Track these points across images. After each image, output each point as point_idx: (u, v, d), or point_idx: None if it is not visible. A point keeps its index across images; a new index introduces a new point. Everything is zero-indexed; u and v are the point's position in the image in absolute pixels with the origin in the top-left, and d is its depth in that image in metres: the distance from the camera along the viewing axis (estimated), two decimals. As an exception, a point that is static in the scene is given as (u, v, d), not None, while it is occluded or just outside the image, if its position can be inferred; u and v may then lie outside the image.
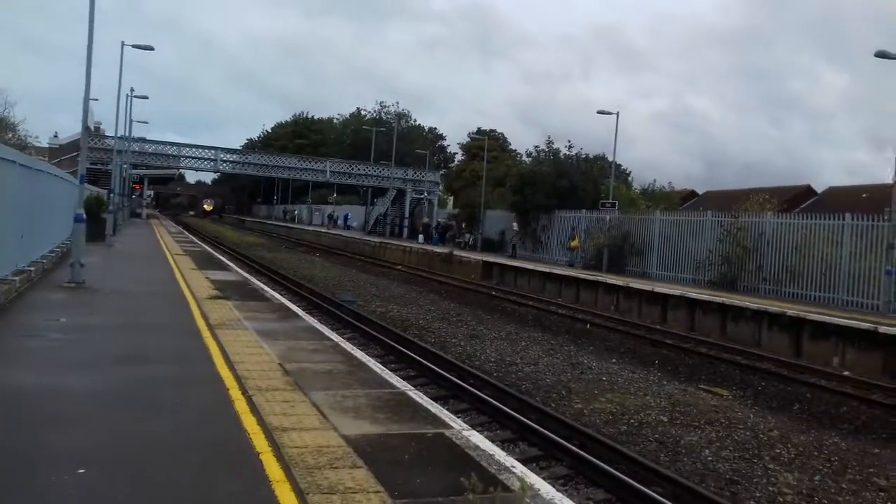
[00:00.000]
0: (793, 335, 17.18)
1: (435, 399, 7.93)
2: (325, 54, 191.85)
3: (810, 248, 20.93)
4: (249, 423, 5.68)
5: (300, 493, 4.26)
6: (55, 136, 66.23)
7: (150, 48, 28.71)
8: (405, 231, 55.15)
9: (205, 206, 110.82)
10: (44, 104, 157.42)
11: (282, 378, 7.32)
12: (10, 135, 42.66)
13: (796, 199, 44.29)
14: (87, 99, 15.57)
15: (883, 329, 15.00)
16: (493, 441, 6.03)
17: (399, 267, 36.35)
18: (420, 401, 6.74)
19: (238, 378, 7.18)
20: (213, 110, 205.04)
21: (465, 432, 5.75)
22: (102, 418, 5.79)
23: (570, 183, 34.50)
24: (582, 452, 8.36)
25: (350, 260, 40.30)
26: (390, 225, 58.07)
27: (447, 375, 11.93)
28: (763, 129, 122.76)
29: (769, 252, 22.36)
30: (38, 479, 4.36)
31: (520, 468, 4.98)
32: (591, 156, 39.07)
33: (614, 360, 15.18)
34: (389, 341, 14.66)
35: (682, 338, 18.48)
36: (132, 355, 8.22)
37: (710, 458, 9.13)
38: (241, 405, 6.21)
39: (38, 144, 53.37)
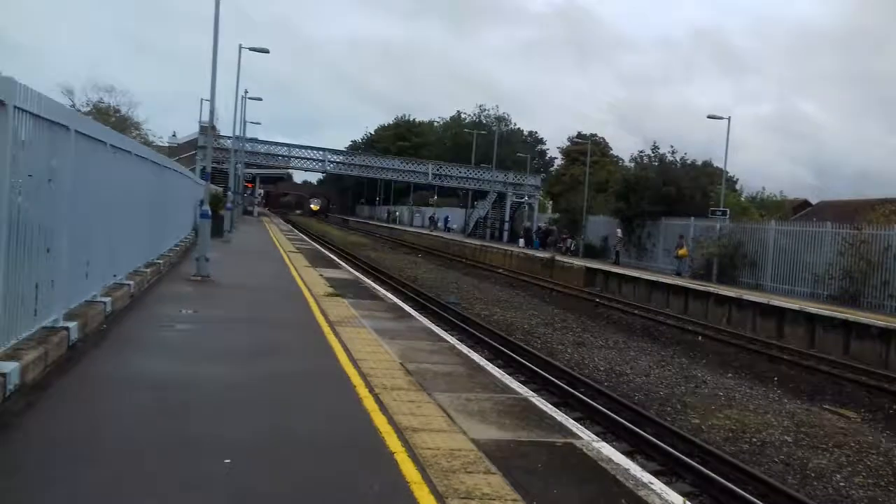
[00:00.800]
0: (927, 357, 16.07)
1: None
2: (422, 56, 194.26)
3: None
4: (380, 421, 5.75)
5: (439, 497, 4.26)
6: (174, 136, 69.78)
7: (266, 51, 29.82)
8: (505, 234, 55.04)
9: (312, 206, 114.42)
10: (160, 105, 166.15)
11: (404, 378, 7.40)
12: (134, 133, 45.19)
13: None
14: (213, 100, 16.33)
15: None
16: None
17: (500, 270, 36.28)
18: (544, 408, 6.67)
19: (363, 375, 7.30)
20: (314, 112, 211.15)
21: (595, 444, 5.64)
22: (239, 409, 5.98)
23: (677, 189, 33.52)
24: (706, 470, 8.08)
25: (451, 262, 40.55)
26: (490, 228, 58.08)
27: (557, 382, 11.80)
28: (878, 136, 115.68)
29: (896, 267, 21.01)
30: (188, 468, 4.53)
31: (658, 485, 4.83)
32: (696, 162, 37.84)
33: (730, 375, 14.63)
34: (496, 344, 14.64)
35: (802, 354, 17.60)
36: (261, 348, 8.51)
37: (842, 484, 8.66)
38: (369, 402, 6.31)
39: (160, 143, 56.30)
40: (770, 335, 20.35)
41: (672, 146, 40.55)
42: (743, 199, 37.65)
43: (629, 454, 8.71)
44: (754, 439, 10.13)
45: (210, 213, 16.08)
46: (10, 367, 5.38)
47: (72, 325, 7.35)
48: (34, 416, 5.21)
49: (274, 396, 6.46)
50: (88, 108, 44.40)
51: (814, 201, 55.08)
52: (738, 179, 50.57)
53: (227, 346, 8.53)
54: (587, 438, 5.78)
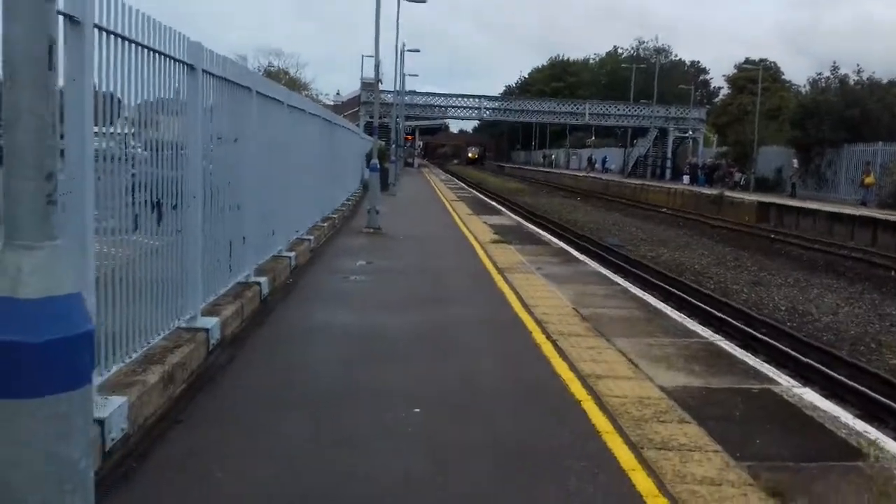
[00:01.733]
0: None
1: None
2: None
3: None
4: (562, 368, 5.74)
5: (634, 447, 4.16)
6: (338, 94, 72.33)
7: (423, 0, 29.93)
8: (668, 172, 52.86)
9: (469, 154, 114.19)
10: (323, 65, 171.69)
11: (581, 323, 7.33)
12: (304, 93, 47.28)
13: None
14: (377, 57, 16.78)
15: None
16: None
17: (664, 210, 34.97)
18: (734, 352, 6.38)
19: (538, 322, 7.31)
20: (467, 60, 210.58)
21: (795, 389, 5.33)
22: (422, 358, 6.16)
23: (861, 112, 30.56)
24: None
25: (610, 203, 39.60)
26: (651, 166, 55.96)
27: (736, 324, 11.27)
28: None
29: None
30: (384, 417, 4.65)
31: (875, 433, 4.48)
32: (882, 81, 34.25)
33: (932, 311, 13.34)
34: (667, 286, 14.16)
35: None
36: (436, 296, 8.73)
37: None
38: (548, 349, 6.31)
39: (326, 101, 58.60)
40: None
41: (858, 65, 37.00)
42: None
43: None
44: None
45: (378, 166, 16.57)
46: (212, 322, 5.71)
47: (262, 279, 7.80)
48: (236, 370, 5.54)
49: (454, 345, 6.60)
50: (261, 72, 46.88)
51: None
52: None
53: (404, 296, 8.81)
54: (786, 384, 5.47)
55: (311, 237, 11.77)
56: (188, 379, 5.00)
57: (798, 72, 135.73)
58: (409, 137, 67.32)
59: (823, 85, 35.47)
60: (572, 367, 5.74)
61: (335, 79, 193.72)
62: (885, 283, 16.44)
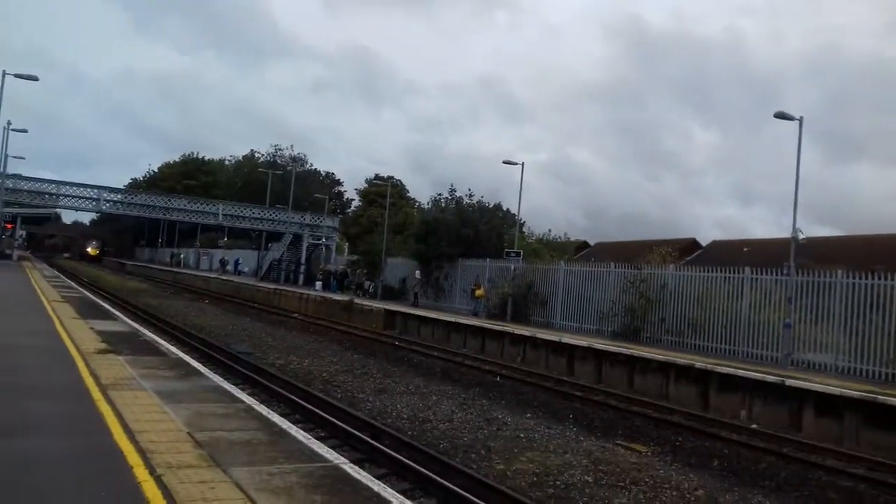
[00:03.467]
0: (700, 388, 17.35)
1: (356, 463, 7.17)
2: (204, 93, 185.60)
3: (711, 301, 21.44)
4: (164, 513, 4.78)
5: None
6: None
7: (35, 78, 26.83)
8: (301, 277, 53.63)
9: (88, 249, 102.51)
10: None
11: (194, 451, 6.39)
12: None
13: (683, 251, 46.05)
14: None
15: (790, 382, 15.32)
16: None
17: (296, 315, 35.05)
18: (359, 477, 5.99)
19: (143, 452, 6.20)
20: (87, 148, 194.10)
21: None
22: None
23: (474, 232, 34.44)
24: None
25: (242, 307, 38.62)
26: (285, 271, 56.35)
27: (360, 436, 11.17)
28: (639, 182, 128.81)
29: (671, 304, 22.78)
30: None
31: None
32: (489, 204, 39.34)
33: (528, 415, 14.81)
34: (295, 398, 13.72)
35: (592, 390, 18.39)
36: (9, 426, 7.03)
37: (644, 524, 8.77)
38: (150, 488, 5.28)
39: None
40: (562, 372, 21.15)
41: (469, 189, 41.84)
42: (532, 240, 39.43)
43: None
44: (558, 482, 10.13)
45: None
46: None
47: None
48: None
49: (29, 489, 5.21)
50: None
51: (591, 242, 59.42)
52: (524, 221, 53.30)
53: (-36, 425, 6.96)
54: (408, 512, 5.20)
55: None
56: None
57: (419, 188, 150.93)
58: (10, 225, 59.25)
59: (443, 205, 39.39)
60: (177, 511, 4.81)
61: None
62: (492, 388, 18.02)
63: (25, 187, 49.04)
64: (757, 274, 20.60)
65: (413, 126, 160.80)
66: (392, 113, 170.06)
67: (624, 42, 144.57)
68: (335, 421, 12.00)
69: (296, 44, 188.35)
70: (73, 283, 37.39)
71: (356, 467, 6.43)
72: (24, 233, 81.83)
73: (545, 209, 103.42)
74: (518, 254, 30.47)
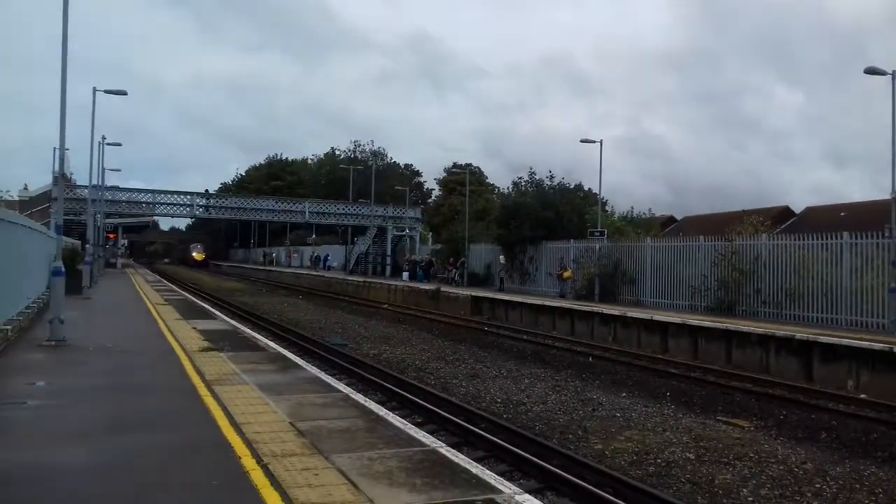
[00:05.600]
0: (802, 359, 16.71)
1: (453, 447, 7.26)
2: (272, 93, 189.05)
3: (809, 269, 20.60)
4: (273, 499, 4.97)
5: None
6: (25, 189, 65.02)
7: (124, 93, 28.05)
8: (388, 269, 54.45)
9: (193, 255, 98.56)
10: (9, 157, 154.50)
11: (297, 440, 6.63)
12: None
13: (776, 220, 44.37)
14: (62, 147, 14.88)
15: (900, 349, 14.58)
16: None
17: (385, 306, 35.63)
18: (456, 460, 6.08)
19: (248, 443, 6.47)
20: (171, 155, 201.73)
21: (517, 496, 5.10)
22: (109, 497, 5.07)
23: (555, 213, 34.15)
24: (621, 502, 7.74)
25: (334, 301, 39.53)
26: (372, 263, 57.34)
27: (456, 420, 11.28)
28: (723, 151, 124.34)
29: (766, 275, 21.99)
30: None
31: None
32: (571, 185, 38.89)
33: (624, 394, 14.62)
34: (390, 386, 13.99)
35: (688, 367, 17.96)
36: (127, 422, 7.47)
37: (750, 499, 8.55)
38: (257, 476, 5.51)
39: (10, 198, 52.12)
40: (655, 350, 20.75)
41: (550, 171, 41.46)
42: (616, 218, 38.78)
43: (539, 492, 8.27)
44: (659, 460, 9.96)
45: (64, 269, 14.55)
46: None
47: None
48: None
49: (144, 482, 5.52)
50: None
51: (678, 217, 57.97)
52: (607, 200, 52.42)
53: (87, 424, 7.41)
54: (508, 492, 5.23)
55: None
56: None
57: (495, 173, 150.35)
58: (112, 235, 62.36)
59: (523, 188, 39.16)
60: (284, 497, 5.01)
61: (23, 173, 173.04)
62: (585, 369, 17.85)
63: (124, 198, 51.61)
64: (856, 238, 19.64)
65: (482, 110, 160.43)
66: (460, 98, 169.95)
67: (693, 3, 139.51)
68: (430, 406, 12.15)
69: (356, 35, 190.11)
70: (173, 287, 39.17)
71: (454, 450, 6.53)
72: (125, 241, 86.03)
73: (626, 186, 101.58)
74: (602, 233, 30.02)
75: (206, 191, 64.79)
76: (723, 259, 23.17)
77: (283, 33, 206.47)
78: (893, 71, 19.75)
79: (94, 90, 29.16)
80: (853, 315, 19.34)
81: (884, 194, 20.37)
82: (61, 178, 15.75)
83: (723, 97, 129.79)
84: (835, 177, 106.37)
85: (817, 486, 9.05)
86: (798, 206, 48.24)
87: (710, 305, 23.47)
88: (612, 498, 7.82)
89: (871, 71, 19.73)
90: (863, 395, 14.51)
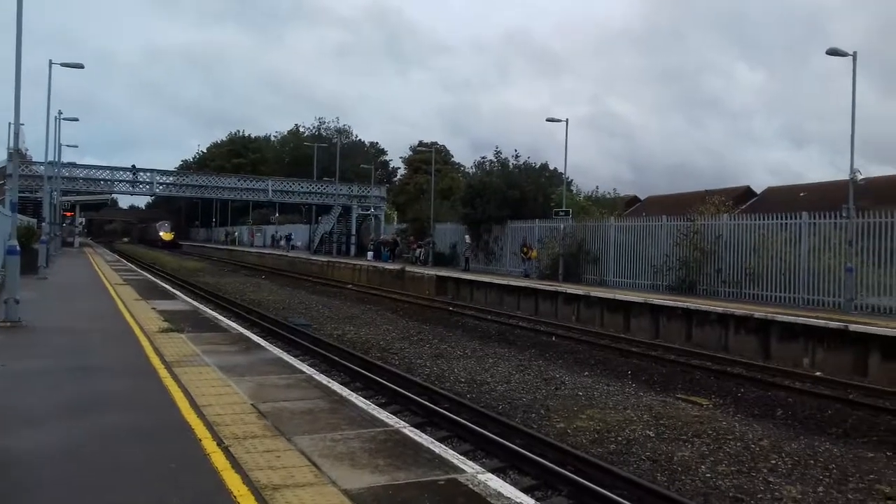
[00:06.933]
0: (760, 337, 17.06)
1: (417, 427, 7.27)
2: (230, 65, 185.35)
3: (768, 249, 20.96)
4: (233, 481, 4.93)
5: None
6: (-24, 165, 63.08)
7: (81, 66, 27.27)
8: (352, 248, 54.18)
9: (161, 234, 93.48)
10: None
11: (259, 422, 6.57)
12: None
13: (737, 200, 45.03)
14: (16, 122, 14.45)
15: (854, 327, 14.94)
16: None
17: (349, 286, 35.49)
18: (419, 440, 6.09)
19: (209, 425, 6.40)
20: (128, 131, 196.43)
21: (480, 476, 5.12)
22: (67, 482, 4.97)
23: (520, 193, 34.20)
24: (582, 480, 7.83)
25: (297, 281, 39.25)
26: (337, 243, 56.98)
27: (420, 401, 11.31)
28: (685, 130, 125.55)
29: (727, 254, 22.35)
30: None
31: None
32: (536, 164, 38.92)
33: (586, 373, 14.78)
34: (354, 367, 13.95)
35: (649, 346, 18.23)
36: (83, 405, 7.32)
37: (708, 475, 8.71)
38: (218, 459, 5.45)
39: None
40: (618, 329, 21.01)
41: (516, 150, 41.37)
42: (581, 198, 38.98)
43: (501, 471, 8.34)
44: (619, 437, 10.10)
45: (19, 248, 14.19)
46: None
47: None
48: None
49: (100, 464, 5.43)
50: None
51: (642, 196, 58.49)
52: (572, 180, 52.63)
53: (42, 407, 7.25)
54: (471, 471, 5.25)
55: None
56: None
57: (460, 150, 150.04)
58: (69, 214, 61.03)
59: (488, 167, 39.10)
60: (246, 479, 4.97)
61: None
62: (548, 348, 17.99)
63: (81, 175, 50.36)
64: (815, 219, 20.03)
65: (446, 87, 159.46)
66: (423, 75, 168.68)
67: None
68: (394, 387, 12.15)
69: (313, 5, 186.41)
70: (133, 266, 38.51)
71: (417, 431, 6.53)
72: (83, 220, 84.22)
73: (590, 165, 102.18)
74: (567, 213, 30.17)
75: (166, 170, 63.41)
76: (685, 239, 23.47)
77: (239, 3, 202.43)
78: (854, 52, 20.06)
79: (51, 63, 28.31)
80: (811, 294, 19.76)
81: (842, 174, 20.77)
82: (16, 154, 15.26)
83: (686, 76, 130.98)
84: (795, 157, 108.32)
85: (773, 462, 9.25)
86: (759, 187, 48.97)
87: (671, 285, 23.79)
88: (572, 476, 7.92)
89: (833, 52, 19.97)
90: (818, 373, 14.87)
